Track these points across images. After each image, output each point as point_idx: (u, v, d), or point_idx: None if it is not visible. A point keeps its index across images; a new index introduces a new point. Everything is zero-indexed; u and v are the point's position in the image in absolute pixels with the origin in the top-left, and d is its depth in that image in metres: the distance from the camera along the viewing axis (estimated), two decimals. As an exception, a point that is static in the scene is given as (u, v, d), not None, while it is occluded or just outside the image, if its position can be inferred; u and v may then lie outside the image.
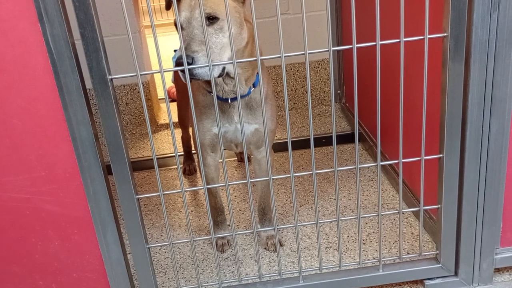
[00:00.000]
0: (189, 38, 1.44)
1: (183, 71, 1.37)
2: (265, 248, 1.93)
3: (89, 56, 1.22)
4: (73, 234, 1.46)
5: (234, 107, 1.68)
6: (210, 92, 1.67)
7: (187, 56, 1.38)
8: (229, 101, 1.66)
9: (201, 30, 1.45)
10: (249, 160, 2.42)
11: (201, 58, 1.41)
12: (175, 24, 1.50)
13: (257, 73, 1.67)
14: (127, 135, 3.18)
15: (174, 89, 3.41)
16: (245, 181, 1.43)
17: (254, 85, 1.68)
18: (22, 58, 1.24)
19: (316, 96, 3.29)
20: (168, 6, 1.65)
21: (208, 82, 1.64)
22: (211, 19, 1.46)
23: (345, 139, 2.77)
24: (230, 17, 1.50)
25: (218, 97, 1.65)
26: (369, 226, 1.98)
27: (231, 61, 1.34)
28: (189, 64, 1.37)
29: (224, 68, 1.52)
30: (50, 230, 1.45)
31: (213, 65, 1.40)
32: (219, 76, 1.53)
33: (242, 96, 1.66)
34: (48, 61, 1.24)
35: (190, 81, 1.37)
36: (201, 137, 1.73)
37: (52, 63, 1.24)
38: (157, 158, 1.40)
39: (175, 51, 4.60)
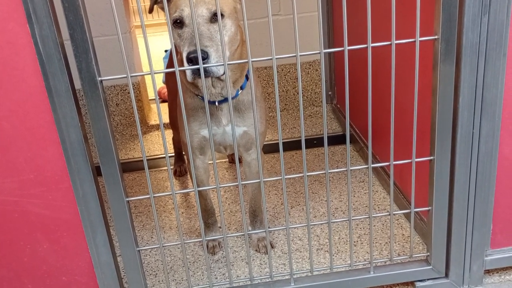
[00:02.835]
0: (197, 34, 1.40)
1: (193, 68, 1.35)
2: (256, 250, 1.92)
3: (78, 58, 1.21)
4: (62, 237, 1.44)
5: (222, 110, 1.67)
6: (197, 94, 1.66)
7: (200, 51, 1.35)
8: (217, 103, 1.65)
9: (206, 27, 1.44)
10: (240, 161, 2.42)
11: (213, 53, 1.40)
12: (175, 21, 1.47)
13: (246, 75, 1.67)
14: (117, 136, 3.16)
15: (165, 90, 3.40)
16: (236, 183, 1.43)
17: (241, 87, 1.67)
18: (11, 60, 1.23)
19: (307, 97, 3.29)
20: (152, 9, 1.63)
21: (195, 85, 1.63)
22: (217, 16, 1.45)
23: (336, 140, 2.77)
24: (231, 17, 1.49)
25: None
26: (360, 228, 1.99)
27: (221, 63, 1.34)
28: (203, 59, 1.34)
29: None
30: (39, 233, 1.43)
31: (221, 64, 1.39)
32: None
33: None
34: (37, 63, 1.22)
35: (195, 78, 1.35)
36: (189, 140, 1.72)
37: (41, 65, 1.22)
38: (148, 160, 1.40)
39: (166, 51, 4.58)
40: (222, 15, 1.44)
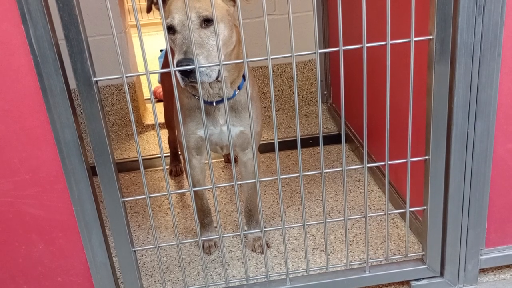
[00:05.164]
0: (187, 41, 1.41)
1: (185, 75, 1.35)
2: (252, 250, 1.92)
3: (73, 58, 1.21)
4: (57, 237, 1.44)
5: (219, 110, 1.67)
6: (195, 95, 1.66)
7: (188, 59, 1.36)
8: (214, 104, 1.65)
9: (198, 33, 1.44)
10: (236, 161, 2.41)
11: (202, 61, 1.40)
12: (168, 28, 1.47)
13: (243, 75, 1.67)
14: (112, 136, 3.15)
15: (160, 89, 3.39)
16: (232, 183, 1.43)
17: (239, 88, 1.67)
18: (5, 60, 1.22)
19: (302, 97, 3.29)
20: (149, 9, 1.62)
21: (193, 86, 1.63)
22: (207, 22, 1.45)
23: (332, 139, 2.78)
24: (224, 20, 1.49)
25: (203, 100, 1.64)
26: (356, 227, 1.99)
27: (217, 63, 1.34)
28: (189, 69, 1.35)
29: (219, 71, 1.51)
30: (34, 234, 1.43)
31: (212, 68, 1.39)
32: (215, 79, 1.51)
33: (227, 99, 1.65)
34: (31, 63, 1.22)
35: (187, 85, 1.34)
36: (185, 140, 1.72)
37: (35, 65, 1.22)
38: (143, 159, 1.39)
39: (161, 50, 4.58)
40: (212, 20, 1.44)
